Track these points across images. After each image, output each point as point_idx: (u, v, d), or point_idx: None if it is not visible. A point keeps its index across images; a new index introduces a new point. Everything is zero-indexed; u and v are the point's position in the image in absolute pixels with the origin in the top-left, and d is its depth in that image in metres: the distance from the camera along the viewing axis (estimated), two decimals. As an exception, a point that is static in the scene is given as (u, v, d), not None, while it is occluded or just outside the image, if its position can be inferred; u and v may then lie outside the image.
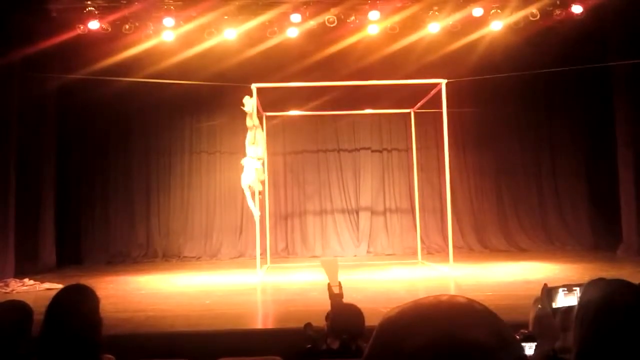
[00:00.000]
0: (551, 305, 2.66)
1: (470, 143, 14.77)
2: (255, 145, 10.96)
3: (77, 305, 2.73)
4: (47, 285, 10.00)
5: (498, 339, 0.85)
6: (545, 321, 2.67)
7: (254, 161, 10.92)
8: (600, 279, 1.68)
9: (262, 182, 11.41)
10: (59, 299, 2.77)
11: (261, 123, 12.17)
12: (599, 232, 13.98)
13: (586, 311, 1.57)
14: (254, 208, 10.75)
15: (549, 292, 2.71)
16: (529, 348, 2.75)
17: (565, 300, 2.65)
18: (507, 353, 0.85)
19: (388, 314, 0.91)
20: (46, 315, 2.70)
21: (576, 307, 1.65)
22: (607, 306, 1.53)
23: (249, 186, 10.84)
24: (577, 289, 2.54)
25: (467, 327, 0.85)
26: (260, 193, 11.14)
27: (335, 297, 4.37)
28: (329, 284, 4.51)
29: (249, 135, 11.02)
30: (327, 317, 3.93)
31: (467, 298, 0.92)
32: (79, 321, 2.67)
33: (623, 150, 12.65)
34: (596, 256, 12.35)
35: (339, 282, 4.51)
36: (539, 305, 2.75)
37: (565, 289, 2.65)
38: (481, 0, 11.59)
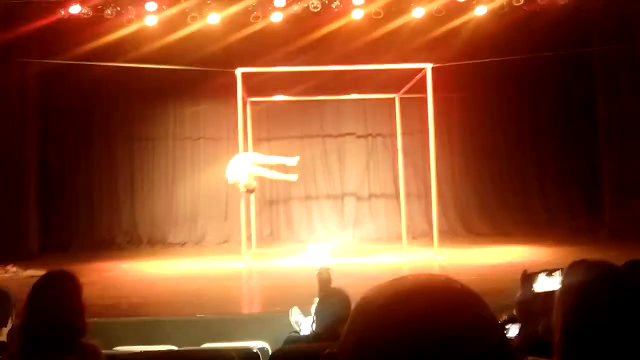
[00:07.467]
0: (532, 290, 2.68)
1: (454, 128, 14.77)
2: None
3: (59, 291, 2.71)
4: (30, 272, 9.87)
5: (478, 319, 0.84)
6: (527, 306, 2.69)
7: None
8: (583, 261, 1.68)
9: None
10: (41, 285, 2.75)
11: (245, 109, 12.05)
12: (582, 216, 14.07)
13: (569, 293, 1.57)
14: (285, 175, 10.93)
15: (528, 278, 2.73)
16: (512, 330, 2.78)
17: (546, 284, 2.67)
18: (488, 333, 0.84)
19: (365, 294, 0.89)
20: (28, 301, 2.68)
21: (558, 290, 1.65)
22: (590, 289, 1.54)
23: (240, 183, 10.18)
24: (557, 272, 2.56)
25: (446, 306, 0.83)
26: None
27: (323, 282, 4.42)
28: (319, 270, 4.58)
29: None
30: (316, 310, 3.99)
31: (446, 277, 0.90)
32: (61, 307, 2.65)
33: (605, 135, 12.76)
34: (579, 240, 12.39)
35: (328, 268, 4.58)
36: (520, 291, 2.77)
37: (546, 273, 2.68)
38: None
